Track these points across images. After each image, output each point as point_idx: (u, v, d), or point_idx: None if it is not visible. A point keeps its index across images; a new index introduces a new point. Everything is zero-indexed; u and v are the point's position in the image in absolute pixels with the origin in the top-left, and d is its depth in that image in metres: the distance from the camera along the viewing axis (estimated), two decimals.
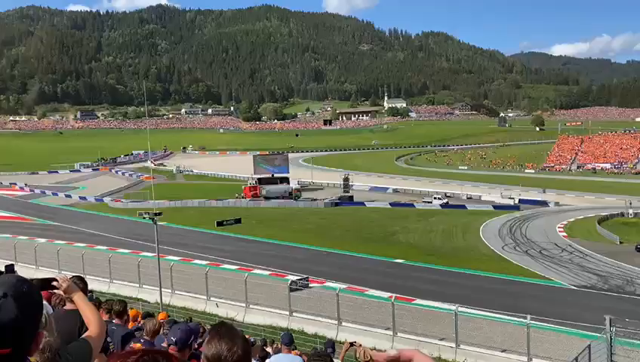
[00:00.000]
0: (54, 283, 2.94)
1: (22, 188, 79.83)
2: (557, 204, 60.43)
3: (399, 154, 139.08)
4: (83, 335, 2.85)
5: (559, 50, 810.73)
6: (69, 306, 3.53)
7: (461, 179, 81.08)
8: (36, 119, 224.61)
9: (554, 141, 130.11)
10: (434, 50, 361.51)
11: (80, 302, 2.99)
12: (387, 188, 74.66)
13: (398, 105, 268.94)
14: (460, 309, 17.84)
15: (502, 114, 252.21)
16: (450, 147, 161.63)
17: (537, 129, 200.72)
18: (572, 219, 48.68)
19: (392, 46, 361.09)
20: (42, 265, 29.40)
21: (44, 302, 2.90)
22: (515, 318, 18.17)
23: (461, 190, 69.62)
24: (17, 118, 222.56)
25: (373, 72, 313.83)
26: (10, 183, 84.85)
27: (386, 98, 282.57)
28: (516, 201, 59.98)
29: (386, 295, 22.78)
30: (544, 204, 60.42)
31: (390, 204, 60.55)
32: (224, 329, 1.99)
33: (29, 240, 37.49)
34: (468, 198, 65.87)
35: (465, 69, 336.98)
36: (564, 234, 42.28)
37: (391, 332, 18.85)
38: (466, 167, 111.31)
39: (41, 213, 57.66)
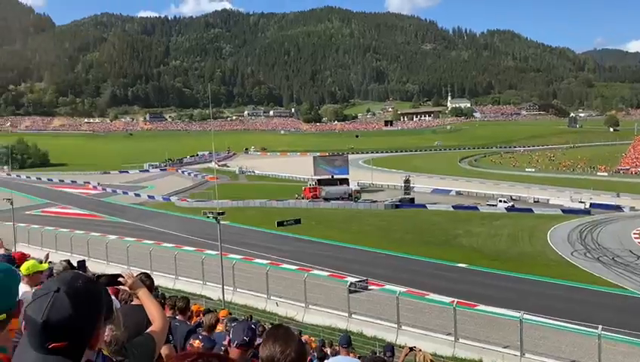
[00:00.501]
0: (120, 279, 3.05)
1: (95, 187, 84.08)
2: (632, 208, 56.95)
3: (463, 155, 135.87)
4: (147, 330, 2.93)
5: (636, 46, 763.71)
6: (136, 301, 3.63)
7: (528, 182, 78.21)
8: (108, 121, 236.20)
9: (629, 142, 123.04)
10: (499, 48, 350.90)
11: (144, 297, 3.08)
12: (450, 191, 73.05)
13: (462, 106, 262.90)
14: (525, 316, 17.16)
15: (572, 114, 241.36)
16: (517, 148, 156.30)
17: (611, 130, 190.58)
18: None
19: (456, 45, 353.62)
20: (112, 261, 30.80)
21: (112, 297, 3.00)
22: (585, 328, 17.27)
23: (528, 193, 67.05)
24: (91, 120, 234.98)
25: (436, 71, 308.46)
26: (84, 182, 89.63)
27: (449, 98, 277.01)
28: (587, 205, 57.07)
29: (448, 299, 22.23)
30: (618, 208, 57.09)
31: (453, 206, 59.17)
32: (280, 331, 1.98)
33: (101, 236, 39.37)
34: (535, 202, 63.37)
35: (532, 67, 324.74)
36: None
37: (452, 338, 18.41)
38: (533, 170, 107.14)
39: (112, 210, 60.56)
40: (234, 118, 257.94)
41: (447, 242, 41.52)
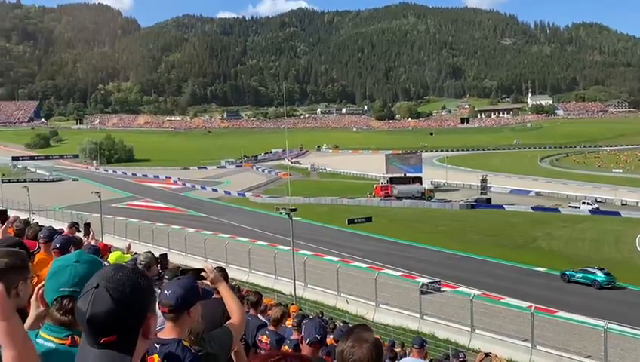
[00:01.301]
0: (202, 273, 3.20)
1: (175, 182, 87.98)
2: None
3: (543, 154, 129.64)
4: (225, 324, 3.02)
5: None
6: (216, 295, 3.75)
7: (614, 183, 73.46)
8: (188, 119, 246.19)
9: None
10: (585, 42, 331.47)
11: (224, 291, 3.19)
12: (529, 191, 70.02)
13: (543, 103, 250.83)
14: (610, 326, 16.13)
15: None
16: (603, 148, 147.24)
17: None
18: None
19: (538, 39, 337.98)
20: (191, 253, 32.09)
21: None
22: None
23: (614, 195, 62.97)
24: (172, 118, 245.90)
25: (516, 67, 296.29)
26: (166, 177, 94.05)
27: (529, 95, 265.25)
28: None
29: (525, 304, 21.38)
30: None
31: (532, 208, 56.73)
32: (357, 330, 2.00)
33: (180, 229, 41.13)
34: (622, 205, 59.46)
35: (622, 62, 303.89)
36: None
37: (529, 345, 17.66)
38: (620, 170, 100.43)
39: (191, 204, 63.13)
40: (307, 115, 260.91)
41: (525, 245, 39.91)
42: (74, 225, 9.35)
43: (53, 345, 1.70)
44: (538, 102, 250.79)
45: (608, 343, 15.84)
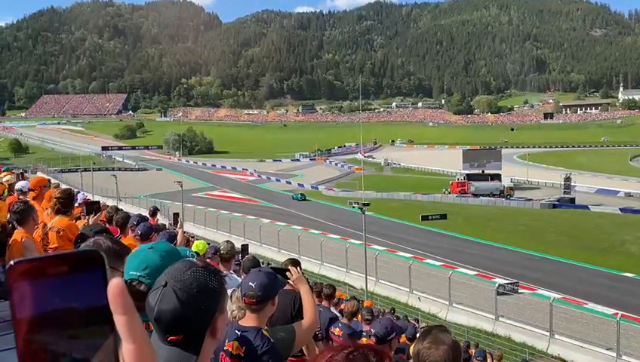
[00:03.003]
0: (287, 273, 3.32)
1: (252, 174, 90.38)
2: None
3: (635, 153, 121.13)
4: (294, 324, 3.08)
5: None
6: (287, 287, 3.86)
7: None
8: (265, 113, 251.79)
9: None
10: None
11: (305, 294, 3.28)
12: (618, 192, 65.71)
13: (636, 97, 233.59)
14: None
15: None
16: None
17: None
18: None
19: (632, 30, 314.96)
20: (265, 243, 32.91)
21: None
22: None
23: None
24: (250, 112, 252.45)
25: (607, 60, 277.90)
26: (243, 169, 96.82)
27: (621, 89, 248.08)
28: None
29: (610, 311, 20.15)
30: None
31: (620, 209, 53.22)
32: (435, 331, 2.00)
33: (255, 219, 42.27)
34: None
35: None
36: None
37: (614, 354, 16.66)
38: None
39: (266, 196, 64.64)
40: (382, 109, 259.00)
41: (612, 248, 37.56)
42: (155, 211, 9.86)
43: None
44: (630, 97, 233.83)
45: None
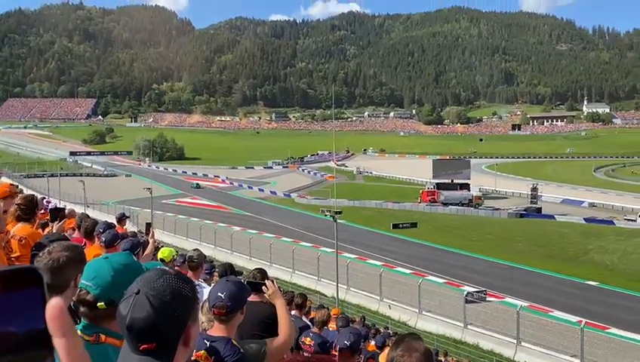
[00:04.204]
0: (263, 287, 3.29)
1: (224, 181, 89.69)
2: None
3: (598, 164, 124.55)
4: (267, 339, 3.04)
5: None
6: (252, 298, 3.82)
7: None
8: (238, 120, 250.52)
9: None
10: None
11: (281, 309, 3.25)
12: (582, 202, 67.51)
13: (600, 111, 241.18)
14: None
15: None
16: None
17: None
18: None
19: (596, 45, 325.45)
20: (236, 251, 32.64)
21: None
22: None
23: None
24: (223, 118, 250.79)
25: (572, 73, 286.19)
26: (214, 176, 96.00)
27: (585, 102, 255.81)
28: None
29: (575, 319, 20.62)
30: None
31: (585, 219, 54.68)
32: (408, 339, 2.00)
33: (226, 227, 41.89)
34: None
35: None
36: None
37: (578, 361, 17.03)
38: None
39: (238, 203, 64.21)
40: (354, 118, 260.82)
41: (577, 257, 38.51)
42: (123, 218, 9.49)
43: None
44: (594, 110, 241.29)
45: None
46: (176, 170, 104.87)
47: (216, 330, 2.69)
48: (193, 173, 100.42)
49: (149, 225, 7.31)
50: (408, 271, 30.02)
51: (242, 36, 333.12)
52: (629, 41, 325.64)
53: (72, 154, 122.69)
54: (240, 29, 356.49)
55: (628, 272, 33.62)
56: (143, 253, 5.40)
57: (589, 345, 17.17)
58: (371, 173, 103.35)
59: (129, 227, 12.26)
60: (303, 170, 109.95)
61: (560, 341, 18.38)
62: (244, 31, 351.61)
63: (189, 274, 5.00)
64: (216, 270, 5.75)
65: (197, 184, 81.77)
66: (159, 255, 5.46)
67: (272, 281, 3.47)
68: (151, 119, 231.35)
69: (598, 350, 17.38)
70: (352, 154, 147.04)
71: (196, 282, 4.95)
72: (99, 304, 1.72)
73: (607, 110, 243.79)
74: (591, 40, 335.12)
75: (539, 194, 65.23)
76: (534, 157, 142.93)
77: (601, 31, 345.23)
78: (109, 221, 7.05)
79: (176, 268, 6.16)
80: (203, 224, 39.75)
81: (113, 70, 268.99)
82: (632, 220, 53.61)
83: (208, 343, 2.61)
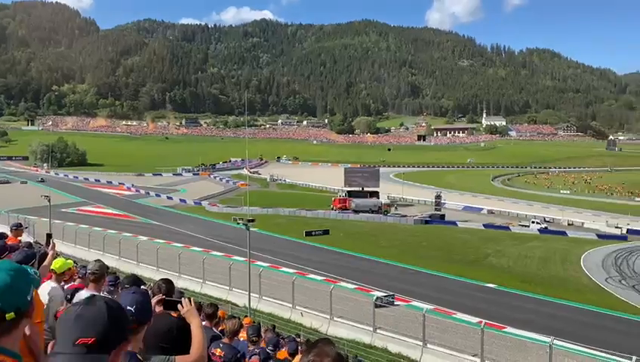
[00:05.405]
0: (179, 306, 3.16)
1: (129, 188, 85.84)
2: None
3: (496, 174, 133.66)
4: (176, 357, 2.93)
5: None
6: (158, 309, 3.67)
7: (562, 204, 76.31)
8: (145, 124, 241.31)
9: None
10: (538, 67, 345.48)
11: (195, 328, 3.15)
12: (481, 209, 71.94)
13: (497, 124, 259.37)
14: (556, 342, 16.65)
15: (611, 137, 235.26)
16: (552, 169, 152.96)
17: None
18: None
19: (494, 62, 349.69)
20: (143, 262, 31.28)
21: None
22: (619, 358, 16.67)
23: (562, 215, 65.50)
24: (129, 123, 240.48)
25: (472, 88, 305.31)
26: (119, 183, 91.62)
27: (484, 115, 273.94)
28: (624, 231, 55.38)
29: (475, 320, 21.81)
30: None
31: (484, 225, 58.27)
32: (320, 344, 2.01)
33: (132, 237, 40.10)
34: (569, 225, 61.83)
35: (571, 87, 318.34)
36: None
37: (479, 360, 18.00)
38: (568, 192, 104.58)
39: (145, 212, 61.69)
40: (267, 126, 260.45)
41: (477, 261, 40.86)
42: (18, 227, 8.67)
43: None
44: (492, 123, 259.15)
45: (554, 359, 16.34)
46: (77, 177, 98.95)
47: None
48: (96, 180, 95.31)
49: (49, 236, 6.87)
50: (320, 278, 30.32)
51: (150, 39, 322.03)
52: (522, 60, 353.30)
53: None
54: (149, 31, 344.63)
55: (521, 274, 36.20)
56: (40, 264, 5.03)
57: (489, 344, 18.20)
58: (285, 180, 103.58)
59: (24, 238, 11.35)
60: (214, 177, 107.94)
61: (463, 341, 19.32)
62: (152, 33, 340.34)
63: (91, 286, 4.71)
64: (120, 281, 5.47)
65: (41, 178, 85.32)
66: (52, 266, 5.09)
67: (190, 299, 3.35)
68: (50, 122, 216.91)
69: (496, 349, 18.47)
70: (266, 162, 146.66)
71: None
72: (7, 315, 1.58)
73: (504, 123, 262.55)
74: (489, 57, 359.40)
75: (442, 201, 68.68)
76: (438, 167, 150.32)
77: (498, 49, 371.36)
78: (2, 231, 6.52)
79: (77, 280, 5.80)
80: (106, 234, 37.77)
81: (8, 69, 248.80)
82: (525, 226, 57.93)
83: None
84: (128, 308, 2.50)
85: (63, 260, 6.00)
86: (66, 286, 5.05)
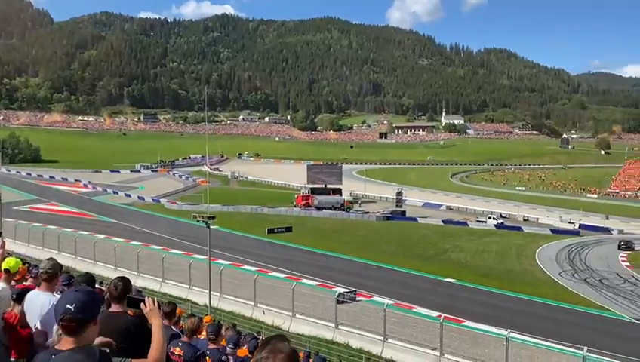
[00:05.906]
0: (142, 304, 3.08)
1: (85, 186, 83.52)
2: (621, 231, 57.40)
3: (454, 171, 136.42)
4: (134, 360, 2.85)
5: (632, 70, 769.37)
6: (114, 308, 3.57)
7: (518, 200, 78.63)
8: (102, 120, 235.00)
9: (620, 166, 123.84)
10: (495, 67, 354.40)
11: (156, 330, 3.09)
12: (440, 205, 73.30)
13: (456, 122, 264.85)
14: (512, 335, 17.10)
15: (564, 135, 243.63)
16: (508, 167, 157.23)
17: (602, 152, 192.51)
18: (638, 249, 46.09)
19: (453, 61, 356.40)
20: (100, 261, 30.48)
21: None
22: (572, 349, 17.26)
23: (517, 211, 67.45)
24: (85, 118, 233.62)
25: (432, 87, 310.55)
26: (75, 180, 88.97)
27: (443, 114, 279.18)
28: (576, 226, 57.52)
29: (435, 314, 22.19)
30: (607, 231, 57.54)
31: (443, 221, 59.40)
32: (273, 341, 2.02)
33: (89, 235, 39.02)
34: (524, 220, 63.73)
35: (527, 87, 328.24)
36: (628, 264, 40.11)
37: (438, 354, 18.30)
38: (523, 188, 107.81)
39: (102, 210, 60.13)
40: (228, 122, 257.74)
41: (436, 256, 41.61)
42: None
43: None
44: (451, 122, 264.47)
45: (510, 351, 16.78)
46: (30, 174, 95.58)
47: (65, 344, 2.42)
48: (50, 177, 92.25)
49: None
50: (283, 275, 30.23)
51: (108, 32, 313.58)
52: (480, 59, 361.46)
53: None
54: (105, 25, 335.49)
55: (478, 269, 37.07)
56: None
57: (448, 337, 18.53)
58: (246, 177, 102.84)
59: None
60: (173, 174, 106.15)
61: (422, 335, 19.61)
62: (109, 27, 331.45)
63: (44, 286, 4.52)
64: (74, 280, 5.28)
65: None
66: (4, 265, 4.87)
67: (153, 300, 3.26)
68: (1, 117, 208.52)
69: (455, 342, 18.82)
70: (227, 159, 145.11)
71: (53, 295, 4.49)
72: None
73: (462, 121, 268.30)
74: (448, 56, 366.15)
75: (403, 198, 69.69)
76: (399, 164, 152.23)
77: (457, 48, 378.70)
78: None
79: (29, 280, 5.58)
80: (62, 232, 36.58)
81: None
82: (482, 221, 59.37)
83: (54, 356, 2.36)
84: (68, 306, 2.41)
85: (16, 259, 5.75)
86: (15, 286, 4.84)
